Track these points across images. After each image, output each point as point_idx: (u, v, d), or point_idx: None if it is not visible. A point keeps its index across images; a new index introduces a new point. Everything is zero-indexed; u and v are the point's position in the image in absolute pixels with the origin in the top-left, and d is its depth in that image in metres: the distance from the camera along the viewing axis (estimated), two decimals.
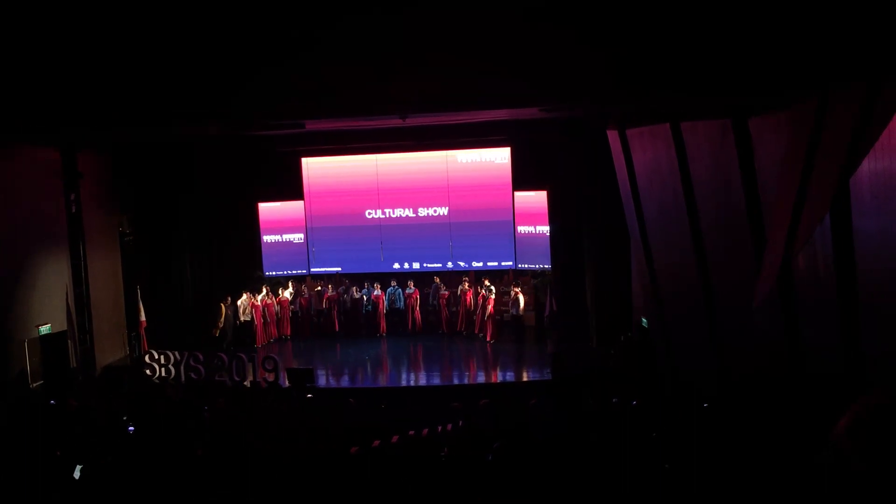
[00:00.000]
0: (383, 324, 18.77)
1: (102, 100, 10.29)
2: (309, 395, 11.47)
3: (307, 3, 8.95)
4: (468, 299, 18.21)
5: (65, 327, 15.22)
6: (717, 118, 10.36)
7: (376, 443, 8.54)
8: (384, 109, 10.87)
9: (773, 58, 8.02)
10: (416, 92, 9.96)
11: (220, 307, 17.69)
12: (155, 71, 9.86)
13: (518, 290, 17.78)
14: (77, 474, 6.82)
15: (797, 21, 7.38)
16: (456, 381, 15.64)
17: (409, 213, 18.86)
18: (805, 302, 8.84)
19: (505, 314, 17.95)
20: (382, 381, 15.88)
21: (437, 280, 18.76)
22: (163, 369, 15.28)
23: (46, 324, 14.69)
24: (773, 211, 8.50)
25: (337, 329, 18.77)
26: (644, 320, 15.28)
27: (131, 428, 9.63)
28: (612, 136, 14.59)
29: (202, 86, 10.06)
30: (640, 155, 13.64)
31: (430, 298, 18.72)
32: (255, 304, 18.13)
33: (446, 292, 18.56)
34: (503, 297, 18.11)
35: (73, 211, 15.48)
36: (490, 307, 17.77)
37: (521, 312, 17.68)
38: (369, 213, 18.98)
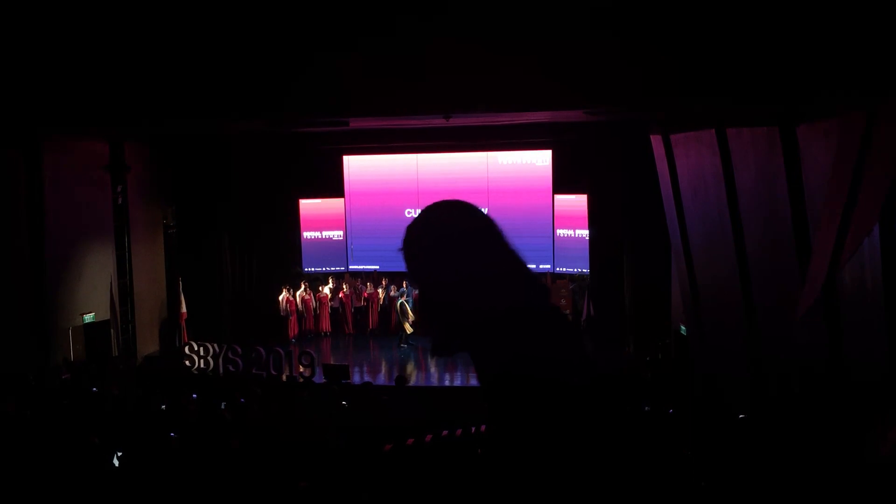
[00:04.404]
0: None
1: (154, 96, 10.58)
2: (343, 403, 11.56)
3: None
4: None
5: (108, 316, 15.55)
6: (764, 125, 10.19)
7: (410, 441, 8.57)
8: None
9: (823, 67, 7.87)
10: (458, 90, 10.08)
11: (402, 304, 17.60)
12: (203, 68, 10.12)
13: None
14: (116, 462, 6.95)
15: (850, 31, 7.24)
16: None
17: None
18: (850, 314, 8.65)
19: None
20: (420, 381, 15.86)
21: None
22: (202, 361, 15.48)
23: (90, 312, 15.01)
24: (821, 220, 8.34)
25: (372, 327, 18.83)
26: (683, 328, 15.09)
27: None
28: (656, 141, 14.42)
29: (249, 83, 10.31)
30: (684, 160, 13.46)
31: None
32: (292, 298, 18.30)
33: None
34: None
35: (120, 202, 15.78)
36: None
37: None
38: (409, 212, 19.00)
